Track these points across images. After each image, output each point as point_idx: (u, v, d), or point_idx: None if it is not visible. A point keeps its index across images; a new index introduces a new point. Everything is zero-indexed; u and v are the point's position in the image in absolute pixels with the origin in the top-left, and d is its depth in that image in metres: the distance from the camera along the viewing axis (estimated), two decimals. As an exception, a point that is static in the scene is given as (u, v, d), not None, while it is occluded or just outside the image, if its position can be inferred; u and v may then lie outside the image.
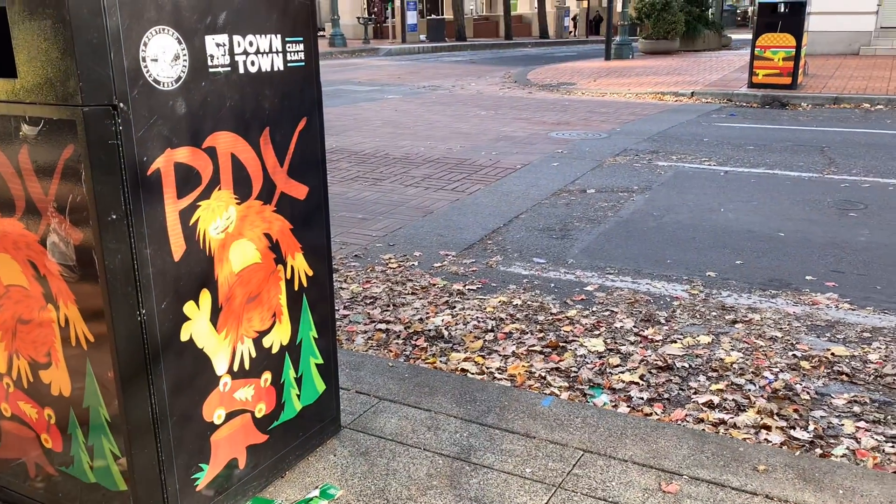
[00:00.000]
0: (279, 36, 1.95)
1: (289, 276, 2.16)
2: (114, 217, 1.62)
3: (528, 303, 3.93)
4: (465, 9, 40.83)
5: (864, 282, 4.17)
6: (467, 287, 4.17)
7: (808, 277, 4.24)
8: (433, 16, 40.59)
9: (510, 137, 8.93)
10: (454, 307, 3.89)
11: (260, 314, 2.06)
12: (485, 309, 3.85)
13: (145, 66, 1.61)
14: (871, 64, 16.39)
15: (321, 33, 34.31)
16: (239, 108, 1.88)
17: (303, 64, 2.05)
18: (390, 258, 4.67)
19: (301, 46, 2.03)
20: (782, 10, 12.47)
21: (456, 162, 7.53)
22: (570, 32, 44.11)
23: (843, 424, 2.71)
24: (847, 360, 3.22)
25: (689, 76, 15.43)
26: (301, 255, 2.19)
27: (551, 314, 3.79)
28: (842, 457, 2.50)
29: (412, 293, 4.10)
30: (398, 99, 13.21)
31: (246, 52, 1.86)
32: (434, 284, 4.22)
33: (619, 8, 20.62)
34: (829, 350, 3.32)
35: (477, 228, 5.29)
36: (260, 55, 1.91)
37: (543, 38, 37.69)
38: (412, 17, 31.30)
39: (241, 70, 1.86)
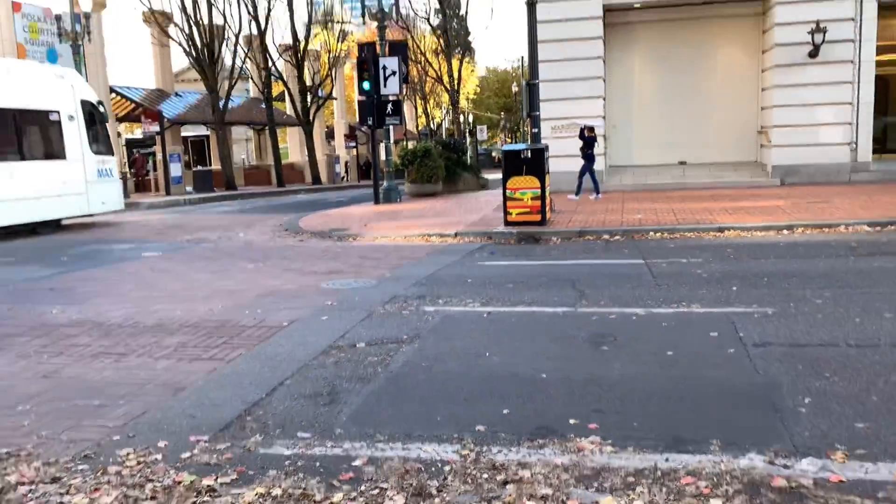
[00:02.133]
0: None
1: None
2: None
3: (290, 491, 3.50)
4: (234, 158, 40.73)
5: (622, 420, 4.29)
6: (219, 480, 3.65)
7: (571, 421, 4.27)
8: (199, 167, 39.95)
9: (278, 292, 8.59)
10: (201, 510, 3.34)
11: None
12: (238, 507, 3.35)
13: None
14: (607, 199, 18.53)
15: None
16: None
17: None
18: (128, 454, 4.02)
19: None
20: (525, 156, 13.78)
21: (216, 325, 6.99)
22: (343, 178, 45.62)
23: None
24: (615, 512, 3.16)
25: (452, 217, 16.31)
26: None
27: (315, 502, 3.39)
28: None
29: (151, 497, 3.50)
30: (157, 256, 12.40)
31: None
32: (179, 482, 3.65)
33: (383, 156, 21.66)
34: (597, 503, 3.26)
35: (236, 402, 4.80)
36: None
37: (316, 185, 38.49)
38: (176, 169, 30.49)
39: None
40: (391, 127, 21.19)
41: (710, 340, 5.84)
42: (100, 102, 19.20)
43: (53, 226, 17.93)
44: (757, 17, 21.73)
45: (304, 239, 14.41)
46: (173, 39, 34.52)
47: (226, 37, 34.85)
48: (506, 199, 13.89)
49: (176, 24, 34.05)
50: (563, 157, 20.22)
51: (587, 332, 6.24)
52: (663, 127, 22.48)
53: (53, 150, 17.51)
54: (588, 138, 18.33)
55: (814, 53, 19.65)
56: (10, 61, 18.79)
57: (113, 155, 19.91)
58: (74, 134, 17.94)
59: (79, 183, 18.07)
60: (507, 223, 13.88)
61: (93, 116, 18.64)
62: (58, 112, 17.55)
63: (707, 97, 22.20)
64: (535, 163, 13.67)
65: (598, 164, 21.25)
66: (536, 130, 15.52)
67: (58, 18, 23.87)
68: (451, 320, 6.88)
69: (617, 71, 22.47)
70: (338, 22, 41.61)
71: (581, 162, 18.59)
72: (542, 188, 13.70)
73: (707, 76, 22.20)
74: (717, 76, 22.21)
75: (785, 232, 12.20)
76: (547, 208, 14.07)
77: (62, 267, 11.51)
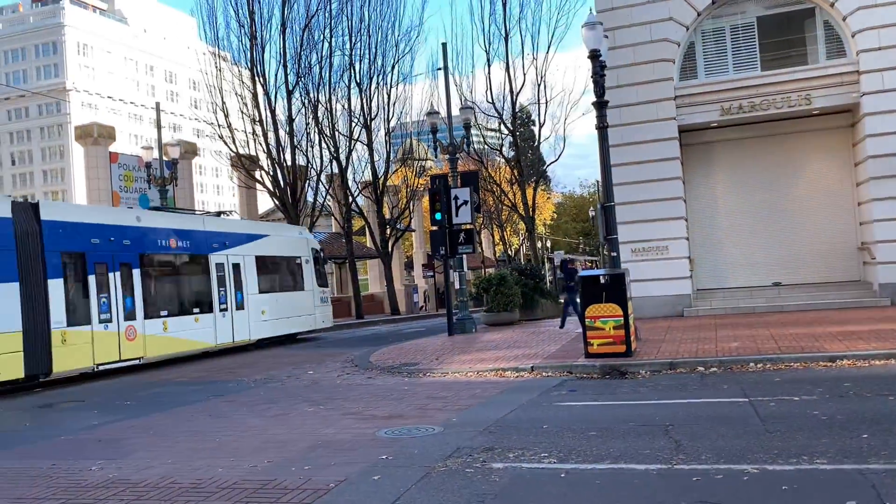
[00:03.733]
0: None
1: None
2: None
3: None
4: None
5: None
6: None
7: None
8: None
9: (332, 442, 7.77)
10: None
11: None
12: None
13: None
14: (696, 325, 17.19)
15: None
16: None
17: None
18: None
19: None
20: (605, 282, 12.87)
21: (257, 486, 6.19)
22: (422, 307, 45.41)
23: None
24: None
25: (529, 348, 15.33)
26: None
27: None
28: None
29: None
30: (218, 400, 11.86)
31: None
32: None
33: (457, 284, 21.13)
34: None
35: None
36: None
37: (395, 315, 38.29)
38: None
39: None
40: (464, 255, 20.77)
41: (848, 513, 4.62)
42: (321, 250, 25.94)
43: (293, 338, 24.10)
44: (845, 130, 20.69)
45: (373, 376, 13.68)
46: (259, 182, 36.11)
47: (308, 176, 36.23)
48: (585, 328, 12.89)
49: (261, 167, 35.72)
50: (646, 282, 19.18)
51: (688, 502, 5.09)
52: (753, 247, 21.19)
53: (298, 283, 24.20)
54: (569, 270, 18.82)
55: (912, 163, 18.36)
56: (277, 225, 28.08)
57: (328, 286, 26.52)
58: (309, 272, 24.69)
59: (311, 307, 24.71)
60: (588, 355, 12.80)
61: (317, 259, 25.34)
62: (300, 257, 24.38)
63: (798, 214, 20.92)
64: (615, 289, 12.73)
65: (685, 288, 20.07)
66: (615, 254, 14.65)
67: (148, 166, 25.24)
68: (521, 482, 5.86)
69: (698, 191, 21.63)
70: (417, 159, 42.88)
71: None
72: (625, 316, 12.66)
73: (796, 192, 21.02)
74: (806, 192, 20.99)
75: (911, 360, 10.65)
76: (631, 337, 12.95)
77: (122, 413, 11.10)
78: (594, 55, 14.66)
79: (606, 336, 12.70)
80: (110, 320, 16.70)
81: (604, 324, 12.73)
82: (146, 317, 17.77)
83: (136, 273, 17.62)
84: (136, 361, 17.39)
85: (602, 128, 14.78)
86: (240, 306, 21.20)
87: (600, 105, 14.75)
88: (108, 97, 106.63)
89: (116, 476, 6.91)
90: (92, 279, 16.35)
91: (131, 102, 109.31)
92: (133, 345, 17.33)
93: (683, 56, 20.68)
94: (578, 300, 17.70)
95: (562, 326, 18.70)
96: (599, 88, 14.73)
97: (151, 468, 7.16)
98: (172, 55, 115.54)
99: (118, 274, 17.06)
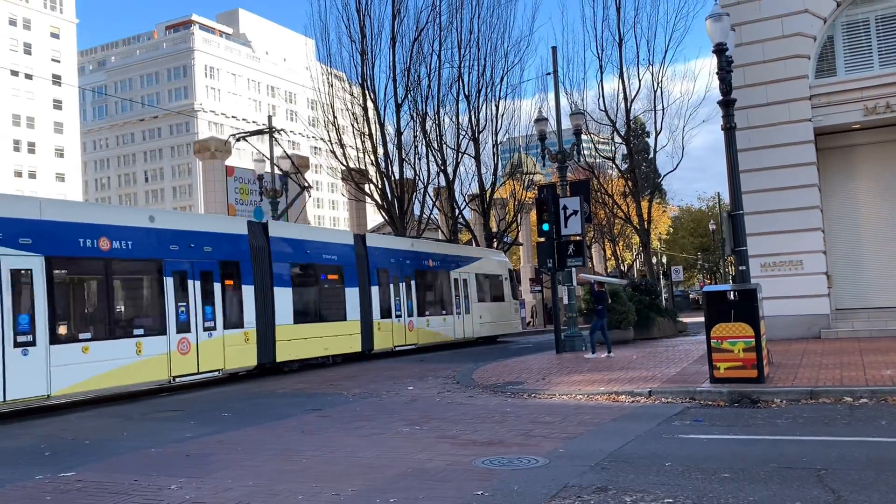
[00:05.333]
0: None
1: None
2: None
3: None
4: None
5: None
6: None
7: None
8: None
9: (422, 471, 7.01)
10: None
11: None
12: None
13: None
14: (837, 348, 15.33)
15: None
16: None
17: None
18: None
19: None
20: (733, 298, 11.53)
21: (335, 519, 5.51)
22: (529, 323, 44.25)
23: None
24: None
25: (645, 370, 14.06)
26: None
27: None
28: None
29: None
30: (314, 415, 11.39)
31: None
32: None
33: (565, 300, 20.02)
34: None
35: None
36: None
37: (501, 330, 37.34)
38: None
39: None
40: (573, 269, 19.65)
41: None
42: (515, 270, 33.57)
43: (494, 340, 30.03)
44: None
45: (474, 395, 12.87)
46: (367, 194, 36.30)
47: (415, 188, 36.08)
48: (711, 349, 11.54)
49: (370, 180, 35.88)
50: (777, 299, 17.35)
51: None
52: (902, 262, 18.87)
53: (501, 296, 30.53)
54: (598, 293, 17.72)
55: None
56: (485, 250, 33.29)
57: (518, 300, 33.25)
58: (508, 288, 31.24)
59: (510, 315, 31.24)
60: (713, 380, 11.46)
61: (512, 277, 32.17)
62: (501, 276, 30.83)
63: (958, 225, 18.46)
64: (745, 306, 11.35)
65: (822, 307, 18.09)
66: (744, 268, 13.17)
67: (260, 178, 25.67)
68: (641, 535, 4.86)
69: (837, 199, 19.52)
70: (525, 173, 41.97)
71: None
72: (757, 337, 11.24)
73: (955, 200, 18.58)
74: (968, 199, 18.52)
75: None
76: (764, 361, 11.51)
77: (216, 425, 10.81)
78: (720, 49, 13.32)
79: (735, 359, 11.33)
80: (400, 316, 23.59)
81: (732, 345, 11.36)
82: (418, 315, 24.67)
83: (413, 284, 24.55)
84: (412, 346, 24.12)
85: (729, 129, 13.38)
86: (467, 311, 27.80)
87: (727, 104, 13.38)
88: (233, 117, 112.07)
89: (193, 498, 6.42)
90: (392, 287, 23.40)
91: (253, 122, 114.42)
92: (411, 334, 24.15)
93: (820, 51, 18.78)
94: (604, 323, 17.53)
95: (592, 352, 17.41)
96: (726, 86, 13.37)
97: (230, 490, 6.64)
98: (292, 76, 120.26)
99: (403, 284, 23.99)
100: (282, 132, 27.82)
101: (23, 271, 12.84)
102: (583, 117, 23.26)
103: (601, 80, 36.90)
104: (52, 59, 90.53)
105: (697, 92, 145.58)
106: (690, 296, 78.90)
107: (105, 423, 11.83)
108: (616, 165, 38.12)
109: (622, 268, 56.64)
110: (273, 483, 6.84)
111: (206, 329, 16.34)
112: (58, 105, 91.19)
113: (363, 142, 35.13)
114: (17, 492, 7.07)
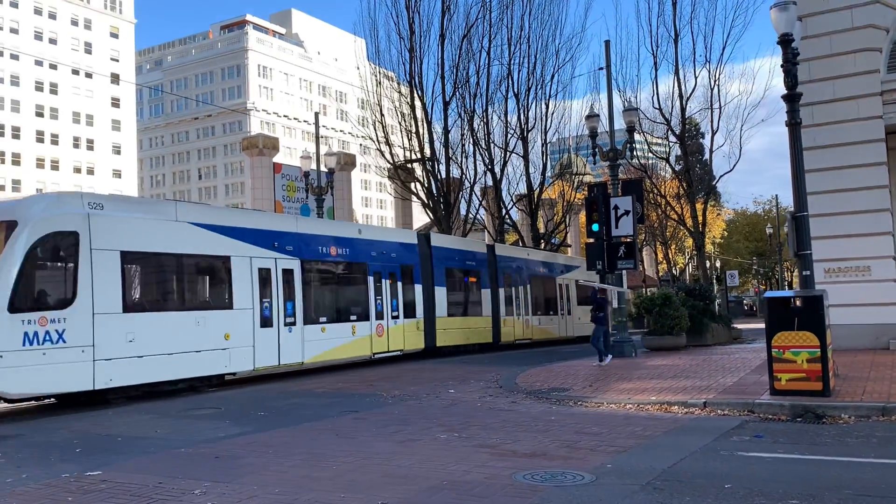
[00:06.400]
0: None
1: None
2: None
3: None
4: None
5: None
6: None
7: None
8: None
9: (458, 484, 6.53)
10: None
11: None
12: None
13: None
14: (912, 361, 14.32)
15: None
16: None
17: None
18: None
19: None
20: (796, 305, 10.76)
21: (361, 537, 5.08)
22: (576, 326, 43.33)
23: None
24: None
25: (699, 379, 13.32)
26: None
27: None
28: None
29: None
30: (349, 417, 11.02)
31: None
32: None
33: (615, 304, 19.30)
34: None
35: None
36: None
37: (548, 333, 36.67)
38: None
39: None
40: (624, 272, 18.93)
41: None
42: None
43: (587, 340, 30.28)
44: None
45: (517, 400, 12.33)
46: (413, 193, 35.99)
47: (462, 187, 35.62)
48: (772, 359, 10.78)
49: (416, 179, 35.57)
50: (842, 307, 16.31)
51: None
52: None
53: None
54: (599, 300, 17.35)
55: None
56: (579, 259, 34.03)
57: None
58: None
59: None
60: (774, 391, 10.70)
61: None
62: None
63: None
64: (810, 314, 10.57)
65: (892, 316, 17.00)
66: (808, 273, 12.36)
67: (306, 175, 25.56)
68: (700, 572, 4.30)
69: (908, 202, 18.34)
70: (575, 173, 41.14)
71: None
72: (823, 347, 10.43)
73: None
74: None
75: None
76: (830, 373, 10.70)
77: (250, 425, 10.52)
78: (785, 40, 12.52)
79: (798, 370, 10.55)
80: (519, 314, 27.32)
81: (795, 355, 10.58)
82: (532, 314, 28.28)
83: (528, 287, 28.21)
84: (527, 341, 27.39)
85: (793, 125, 12.59)
86: (569, 312, 31.79)
87: (791, 98, 12.59)
88: (284, 116, 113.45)
89: (214, 504, 6.08)
90: (513, 289, 27.04)
91: (304, 121, 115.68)
92: (528, 330, 27.87)
93: (893, 44, 17.67)
94: (604, 331, 17.29)
95: (601, 360, 16.84)
96: (791, 79, 12.56)
97: (255, 497, 6.28)
98: (342, 76, 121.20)
99: (521, 287, 27.67)
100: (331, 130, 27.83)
101: (289, 270, 16.89)
102: (636, 114, 22.45)
103: (656, 77, 35.71)
104: (111, 59, 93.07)
105: (756, 91, 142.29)
106: (744, 301, 76.50)
107: (140, 419, 11.67)
108: (670, 165, 37.03)
109: (674, 272, 55.24)
110: (299, 491, 6.45)
111: (393, 317, 20.46)
112: (116, 103, 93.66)
113: (410, 139, 34.85)
114: (41, 490, 6.85)
